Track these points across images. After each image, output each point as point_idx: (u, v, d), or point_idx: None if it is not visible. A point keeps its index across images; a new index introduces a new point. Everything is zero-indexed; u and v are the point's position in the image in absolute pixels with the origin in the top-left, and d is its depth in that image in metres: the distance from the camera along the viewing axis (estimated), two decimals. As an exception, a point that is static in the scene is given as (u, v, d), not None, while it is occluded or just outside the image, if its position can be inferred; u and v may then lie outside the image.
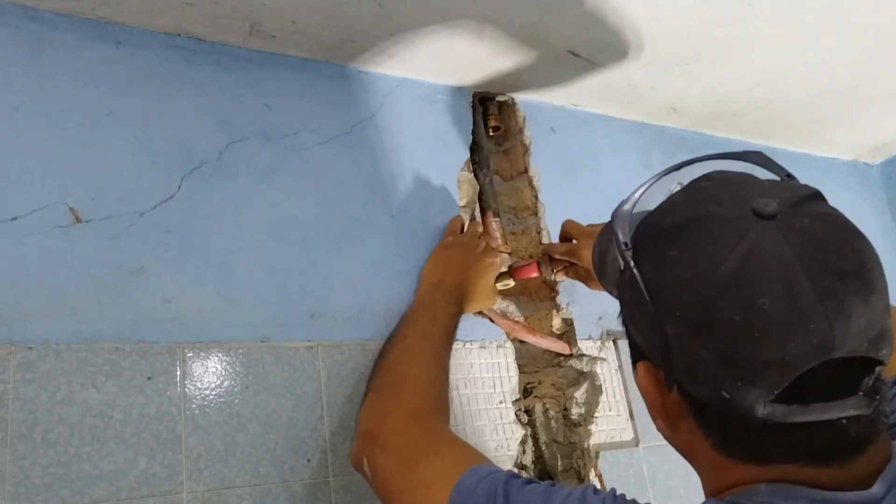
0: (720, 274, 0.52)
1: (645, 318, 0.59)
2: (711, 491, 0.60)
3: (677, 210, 0.60)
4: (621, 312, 0.65)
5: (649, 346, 0.60)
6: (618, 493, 0.65)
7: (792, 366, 0.50)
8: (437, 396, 0.92)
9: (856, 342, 0.51)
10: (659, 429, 0.64)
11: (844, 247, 0.54)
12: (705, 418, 0.57)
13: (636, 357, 0.64)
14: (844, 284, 0.51)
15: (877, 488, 0.54)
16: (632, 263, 0.59)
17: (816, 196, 0.59)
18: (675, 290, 0.55)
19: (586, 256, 1.00)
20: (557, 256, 1.11)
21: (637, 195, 0.66)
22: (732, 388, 0.52)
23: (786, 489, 0.54)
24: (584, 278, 1.08)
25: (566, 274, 1.11)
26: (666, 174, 0.67)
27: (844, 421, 0.52)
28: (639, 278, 0.58)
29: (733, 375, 0.52)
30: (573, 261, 1.07)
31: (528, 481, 0.70)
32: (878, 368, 0.53)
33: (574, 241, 1.07)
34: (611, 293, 0.70)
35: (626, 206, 0.64)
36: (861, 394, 0.52)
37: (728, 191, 0.58)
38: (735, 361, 0.52)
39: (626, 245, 0.61)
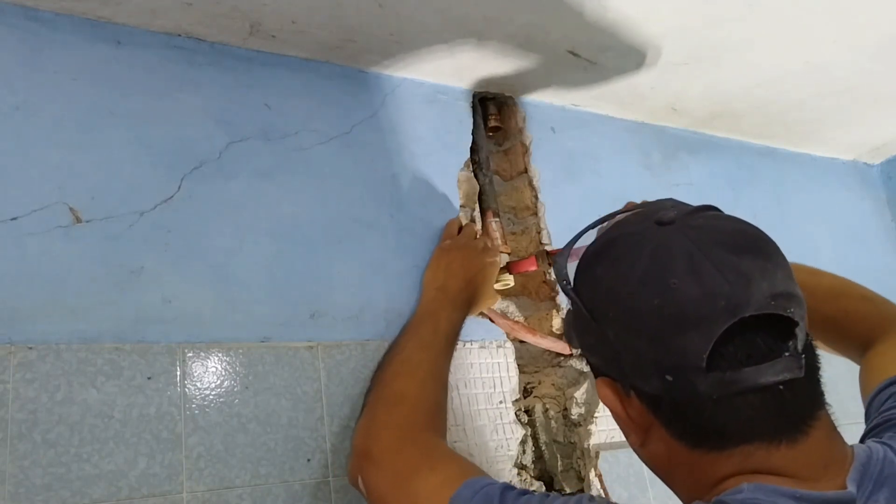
0: (635, 272, 0.61)
1: (592, 336, 0.66)
2: (692, 496, 0.63)
3: (599, 240, 0.70)
4: (581, 350, 0.71)
5: (602, 361, 0.67)
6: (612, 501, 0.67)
7: (709, 328, 0.57)
8: (432, 411, 0.92)
9: (761, 301, 0.57)
10: (633, 444, 0.67)
11: (736, 233, 0.63)
12: (663, 413, 0.62)
13: (596, 376, 0.69)
14: (739, 257, 0.59)
15: (851, 487, 0.59)
16: (573, 295, 0.68)
17: (712, 208, 0.68)
18: (605, 299, 0.64)
19: None
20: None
21: (568, 246, 0.76)
22: (670, 367, 0.59)
23: (768, 487, 0.57)
24: None
25: None
26: (593, 226, 0.78)
27: (781, 387, 0.58)
28: (580, 304, 0.67)
29: (667, 354, 0.59)
30: None
31: (524, 492, 0.71)
32: (797, 331, 0.59)
33: None
34: (578, 348, 0.76)
35: (560, 257, 0.74)
36: (787, 354, 0.58)
37: (637, 215, 0.70)
38: (664, 339, 0.59)
39: (567, 282, 0.70)
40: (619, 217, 0.75)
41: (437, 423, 0.92)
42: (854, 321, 0.90)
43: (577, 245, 0.77)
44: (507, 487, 0.72)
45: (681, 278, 0.59)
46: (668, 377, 0.59)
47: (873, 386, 0.77)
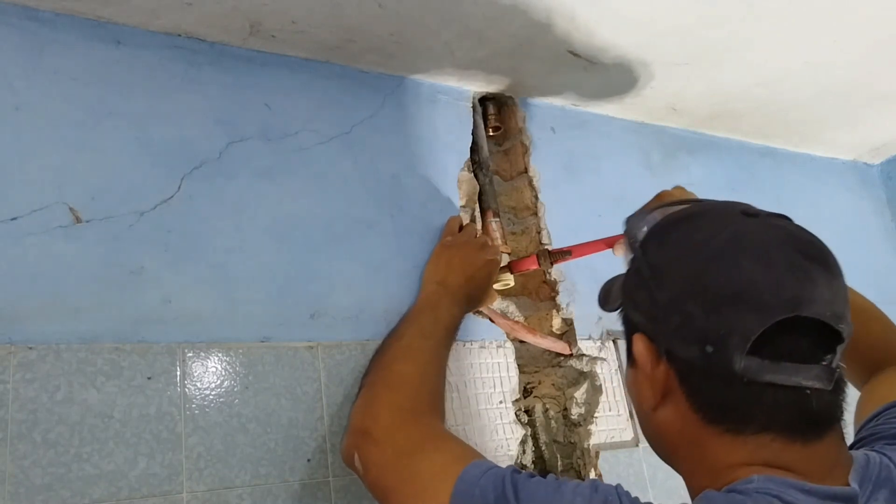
0: (711, 246, 0.64)
1: (643, 293, 0.68)
2: (698, 478, 0.64)
3: (681, 210, 0.73)
4: (623, 307, 0.73)
5: (645, 318, 0.68)
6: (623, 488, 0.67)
7: (766, 313, 0.59)
8: (432, 394, 0.93)
9: (821, 308, 0.60)
10: (645, 407, 0.68)
11: (810, 242, 0.66)
12: (690, 382, 0.64)
13: (631, 332, 0.70)
14: (811, 264, 0.62)
15: (853, 484, 0.61)
16: (639, 251, 0.71)
17: (787, 217, 0.71)
18: (673, 262, 0.66)
19: None
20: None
21: (644, 211, 0.81)
22: (715, 338, 0.60)
23: (777, 479, 0.59)
24: None
25: None
26: (669, 205, 0.82)
27: (808, 391, 0.60)
28: (643, 260, 0.69)
29: (717, 325, 0.60)
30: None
31: (532, 475, 0.71)
32: (838, 349, 0.61)
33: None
34: (610, 310, 0.78)
35: (636, 218, 0.81)
36: (824, 364, 0.60)
37: (723, 202, 0.73)
38: (719, 310, 0.61)
39: (636, 241, 0.73)
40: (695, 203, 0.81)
41: (436, 407, 0.92)
42: (876, 343, 0.93)
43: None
44: (515, 470, 0.72)
45: (753, 264, 0.61)
46: (709, 348, 0.60)
47: (871, 410, 0.79)
